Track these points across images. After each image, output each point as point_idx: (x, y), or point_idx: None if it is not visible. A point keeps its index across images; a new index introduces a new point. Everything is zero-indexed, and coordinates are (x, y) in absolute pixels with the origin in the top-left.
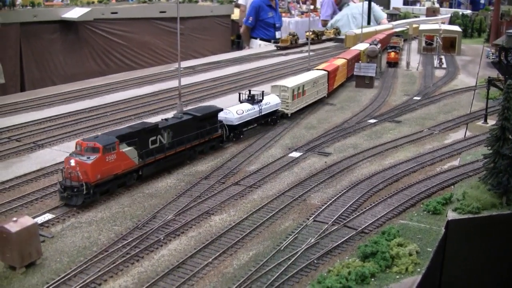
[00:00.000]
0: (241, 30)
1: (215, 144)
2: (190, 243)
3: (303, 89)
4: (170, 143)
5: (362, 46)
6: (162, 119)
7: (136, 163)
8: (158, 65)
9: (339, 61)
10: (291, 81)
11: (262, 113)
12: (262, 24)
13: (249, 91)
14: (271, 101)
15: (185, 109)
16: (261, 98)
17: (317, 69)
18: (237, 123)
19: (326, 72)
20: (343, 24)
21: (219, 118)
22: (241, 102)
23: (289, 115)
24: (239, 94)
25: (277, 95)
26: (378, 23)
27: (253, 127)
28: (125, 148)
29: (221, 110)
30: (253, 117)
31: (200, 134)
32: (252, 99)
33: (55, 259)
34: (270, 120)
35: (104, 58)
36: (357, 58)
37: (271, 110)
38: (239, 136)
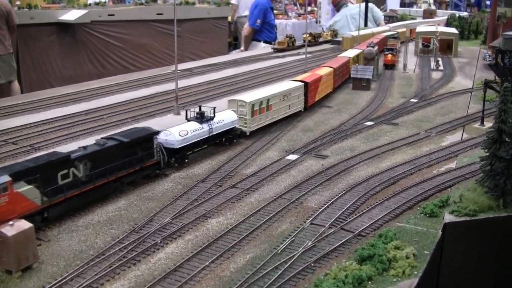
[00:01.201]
0: (245, 32)
1: (151, 173)
2: (187, 246)
3: (267, 103)
4: (88, 176)
5: (351, 53)
6: (79, 147)
7: (38, 204)
8: (155, 67)
9: (324, 71)
10: (252, 95)
11: (213, 133)
12: (266, 26)
13: (199, 107)
14: (225, 119)
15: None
16: (212, 115)
17: (294, 80)
18: (179, 147)
19: (303, 83)
20: (342, 25)
21: (159, 141)
22: (188, 120)
23: (248, 134)
24: (186, 111)
25: (234, 111)
26: (377, 24)
27: (202, 149)
28: (23, 188)
29: (157, 132)
30: (201, 138)
31: (129, 162)
32: (201, 117)
33: (51, 263)
34: (225, 140)
35: (101, 60)
36: (345, 66)
37: (226, 129)
38: (183, 161)
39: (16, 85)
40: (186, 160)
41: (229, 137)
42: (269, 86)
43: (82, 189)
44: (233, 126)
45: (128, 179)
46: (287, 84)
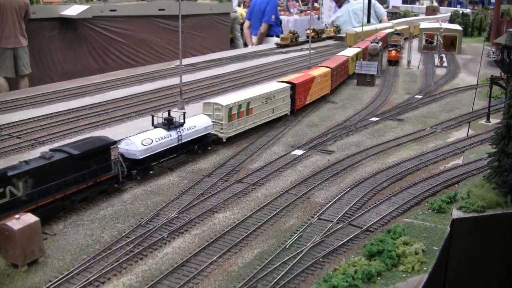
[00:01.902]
0: (262, 29)
1: (108, 188)
2: (194, 241)
3: (247, 107)
4: (29, 195)
5: (350, 51)
6: (20, 162)
7: None
8: (157, 63)
9: (319, 71)
10: (230, 98)
11: (183, 141)
12: (277, 22)
13: (169, 112)
14: (197, 124)
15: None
16: (182, 121)
17: (281, 81)
18: (142, 157)
19: (290, 85)
20: (344, 21)
21: (120, 151)
22: (154, 127)
23: (224, 140)
24: (152, 117)
25: (210, 115)
26: (380, 20)
27: (171, 159)
28: None
29: (113, 143)
30: (169, 146)
31: (80, 177)
32: (168, 124)
33: (57, 257)
34: (197, 148)
35: (103, 56)
36: (344, 66)
37: (198, 136)
38: (147, 172)
39: (26, 78)
40: (151, 172)
41: (202, 144)
42: (252, 88)
43: (20, 210)
44: (207, 132)
45: (80, 196)
46: (271, 86)
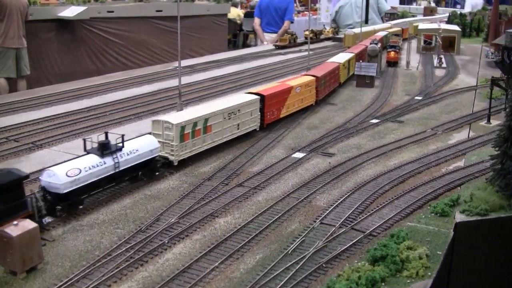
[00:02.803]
0: (287, 25)
1: None
2: (195, 247)
3: (205, 124)
4: None
5: (342, 57)
6: None
7: None
8: (155, 64)
9: (300, 80)
10: (184, 114)
11: (121, 168)
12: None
13: (106, 134)
14: (140, 148)
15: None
16: (120, 145)
17: (249, 93)
18: (66, 191)
19: (259, 97)
20: (345, 13)
21: (41, 183)
22: (87, 152)
23: (175, 164)
24: (84, 141)
25: (159, 135)
26: (382, 15)
27: (107, 189)
28: None
29: (26, 177)
30: (102, 176)
31: None
32: (102, 149)
33: (56, 264)
34: (142, 174)
35: (100, 57)
36: (334, 73)
37: (141, 161)
38: (75, 207)
39: (25, 79)
40: (81, 207)
41: (148, 170)
42: (213, 101)
43: None
44: (153, 156)
45: None
46: (236, 99)
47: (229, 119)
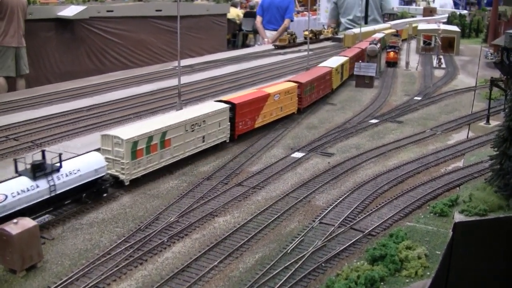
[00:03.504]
0: (287, 23)
1: None
2: (194, 246)
3: (163, 138)
4: None
5: (335, 61)
6: None
7: None
8: (154, 64)
9: (280, 87)
10: (137, 128)
11: (59, 191)
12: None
13: (42, 152)
14: (82, 167)
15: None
16: (57, 165)
17: (219, 101)
18: None
19: (229, 106)
20: (348, 6)
21: None
22: (18, 174)
23: (127, 183)
24: (15, 161)
25: (109, 151)
26: (385, 13)
27: (46, 214)
28: None
29: None
30: (35, 201)
31: None
32: (35, 170)
33: (56, 262)
34: (86, 196)
35: (100, 57)
36: (324, 79)
37: (84, 182)
38: None
39: (23, 78)
40: None
41: (94, 192)
42: (176, 112)
43: None
44: (99, 175)
45: None
46: (202, 108)
47: (192, 131)
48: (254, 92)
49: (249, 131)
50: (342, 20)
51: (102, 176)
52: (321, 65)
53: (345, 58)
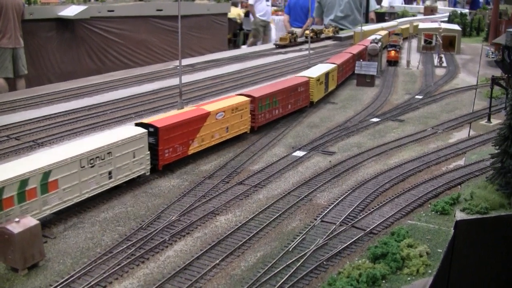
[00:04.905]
0: (309, 22)
1: None
2: (196, 244)
3: (45, 180)
4: None
5: (317, 70)
6: None
7: None
8: (154, 63)
9: (228, 102)
10: (7, 169)
11: None
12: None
13: None
14: None
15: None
16: None
17: (139, 123)
18: None
19: (147, 131)
20: (329, 5)
21: None
22: None
23: None
24: None
25: None
26: (371, 12)
27: None
28: None
29: None
30: None
31: None
32: None
33: (58, 261)
34: None
35: (101, 56)
36: (295, 91)
37: None
38: None
39: (23, 79)
40: None
41: None
42: (68, 144)
43: None
44: None
45: None
46: (109, 136)
47: (92, 166)
48: (188, 111)
49: (182, 159)
50: (325, 20)
51: None
52: (300, 74)
53: (331, 66)
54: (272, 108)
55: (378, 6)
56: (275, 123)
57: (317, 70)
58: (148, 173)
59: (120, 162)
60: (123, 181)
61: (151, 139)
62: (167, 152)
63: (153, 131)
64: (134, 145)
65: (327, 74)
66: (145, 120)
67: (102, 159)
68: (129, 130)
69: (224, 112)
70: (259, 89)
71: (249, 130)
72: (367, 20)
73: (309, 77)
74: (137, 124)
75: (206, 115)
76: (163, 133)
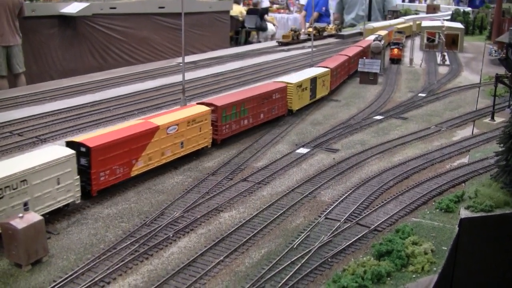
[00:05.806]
0: (315, 15)
1: None
2: (200, 241)
3: None
4: None
5: (301, 75)
6: None
7: None
8: (156, 61)
9: (184, 114)
10: None
11: None
12: (326, 13)
13: None
14: None
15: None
16: None
17: (72, 142)
18: None
19: (74, 153)
20: (351, 3)
21: None
22: None
23: None
24: None
25: None
26: (389, 9)
27: None
28: None
29: None
30: None
31: None
32: None
33: (61, 257)
34: None
35: (103, 53)
36: (268, 99)
37: None
38: None
39: (23, 75)
40: None
41: None
42: None
43: None
44: None
45: None
46: (28, 159)
47: (1, 198)
48: (131, 126)
49: (124, 180)
50: (346, 17)
51: None
52: (277, 80)
53: (321, 70)
54: (240, 118)
55: (395, 4)
56: (244, 135)
57: (300, 75)
58: (79, 201)
59: (39, 191)
60: (46, 211)
61: (84, 161)
62: (102, 175)
63: (84, 151)
64: (58, 169)
65: (313, 80)
66: (76, 138)
67: (14, 189)
68: (53, 152)
69: (178, 125)
70: (224, 97)
71: (211, 144)
72: (385, 19)
73: (287, 83)
74: (67, 144)
75: (154, 129)
76: (97, 154)
